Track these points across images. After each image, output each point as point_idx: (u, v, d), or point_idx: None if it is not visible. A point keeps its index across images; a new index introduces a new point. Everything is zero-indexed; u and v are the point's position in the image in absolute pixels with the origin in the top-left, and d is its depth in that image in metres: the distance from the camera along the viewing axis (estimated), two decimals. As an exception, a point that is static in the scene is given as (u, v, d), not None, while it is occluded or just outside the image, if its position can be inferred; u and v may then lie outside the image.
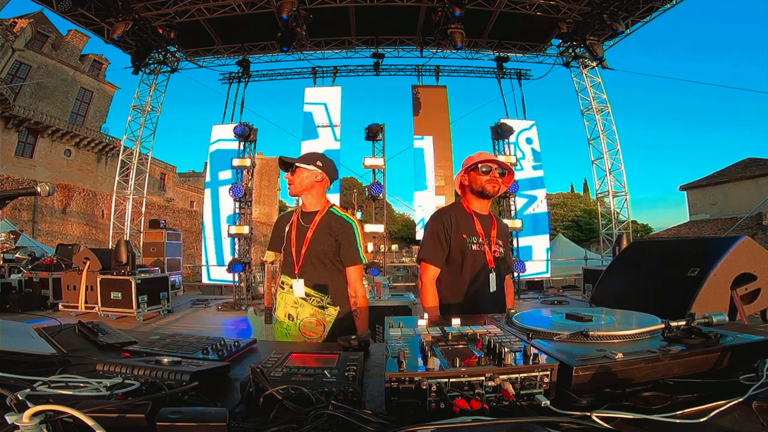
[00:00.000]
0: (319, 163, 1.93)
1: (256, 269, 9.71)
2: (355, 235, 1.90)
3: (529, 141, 10.79)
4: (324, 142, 10.45)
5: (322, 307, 1.87)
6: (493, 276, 1.90)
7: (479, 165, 1.92)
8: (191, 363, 0.84)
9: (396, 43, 11.46)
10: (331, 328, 1.84)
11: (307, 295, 1.87)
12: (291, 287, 1.89)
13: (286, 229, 1.99)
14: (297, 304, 1.88)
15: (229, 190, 9.87)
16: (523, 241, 10.01)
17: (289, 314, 1.89)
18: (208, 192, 10.90)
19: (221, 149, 10.83)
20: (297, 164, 1.90)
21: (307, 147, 10.42)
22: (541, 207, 10.56)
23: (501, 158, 1.99)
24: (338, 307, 1.88)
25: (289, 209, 2.08)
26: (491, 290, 1.89)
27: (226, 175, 10.62)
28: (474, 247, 1.90)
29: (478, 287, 1.86)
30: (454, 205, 2.11)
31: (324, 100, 10.89)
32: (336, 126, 10.63)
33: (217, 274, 10.29)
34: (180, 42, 10.80)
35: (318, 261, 1.88)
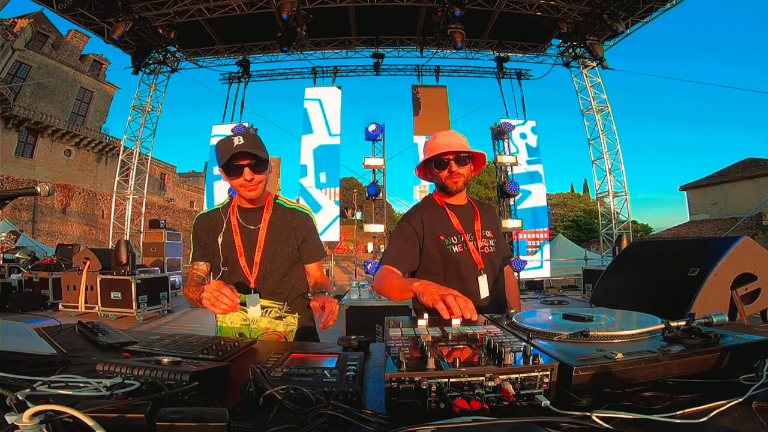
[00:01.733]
0: (266, 149, 1.56)
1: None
2: (315, 227, 1.71)
3: (523, 136, 10.77)
4: (324, 141, 10.47)
5: (280, 318, 1.58)
6: (483, 279, 1.61)
7: (433, 160, 1.62)
8: (191, 363, 0.84)
9: (396, 43, 11.46)
10: (294, 339, 1.58)
11: (263, 308, 1.55)
12: (242, 305, 1.45)
13: (219, 239, 1.60)
14: (248, 321, 1.56)
15: (228, 189, 9.88)
16: (521, 236, 10.01)
17: (240, 335, 1.53)
18: (211, 186, 10.93)
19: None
20: (264, 158, 1.51)
21: (307, 144, 10.44)
22: (539, 201, 10.55)
23: (461, 137, 1.65)
24: (296, 314, 1.61)
25: (209, 209, 1.70)
26: (481, 296, 1.59)
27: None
28: (455, 248, 1.62)
29: (468, 295, 1.45)
30: (425, 201, 1.77)
31: (324, 99, 10.90)
32: (335, 124, 10.63)
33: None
34: (180, 42, 10.80)
35: (275, 266, 1.61)
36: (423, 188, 10.52)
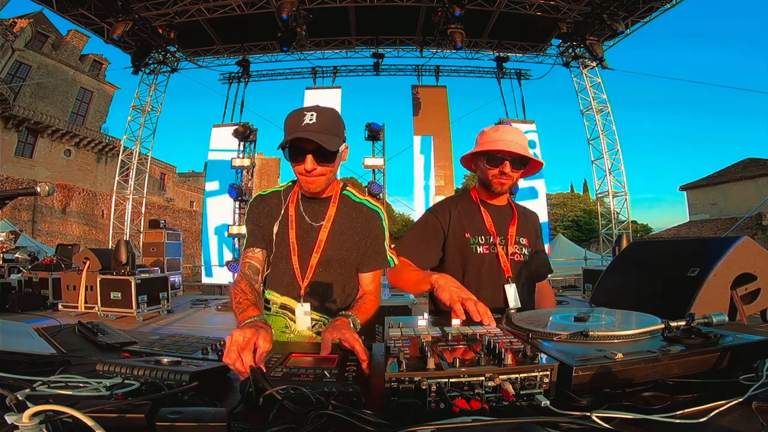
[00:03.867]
0: (344, 132, 1.29)
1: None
2: (383, 228, 1.38)
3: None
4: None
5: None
6: (511, 289, 1.46)
7: (486, 154, 1.49)
8: (191, 363, 0.84)
9: (396, 43, 11.46)
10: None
11: (311, 320, 1.33)
12: (290, 313, 1.34)
13: (275, 228, 1.35)
14: (288, 330, 1.35)
15: (229, 188, 9.91)
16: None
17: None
18: (206, 188, 10.96)
19: (221, 149, 10.87)
20: (332, 150, 1.21)
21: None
22: (539, 202, 10.56)
23: (522, 137, 1.49)
24: None
25: (269, 190, 1.43)
26: (510, 305, 1.45)
27: (225, 174, 10.67)
28: (480, 249, 1.50)
29: (488, 302, 1.18)
30: (461, 194, 1.67)
31: (323, 99, 10.91)
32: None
33: (216, 273, 10.34)
34: (180, 42, 10.80)
35: (332, 272, 1.35)
36: (419, 190, 10.54)
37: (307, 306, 1.32)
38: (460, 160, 1.65)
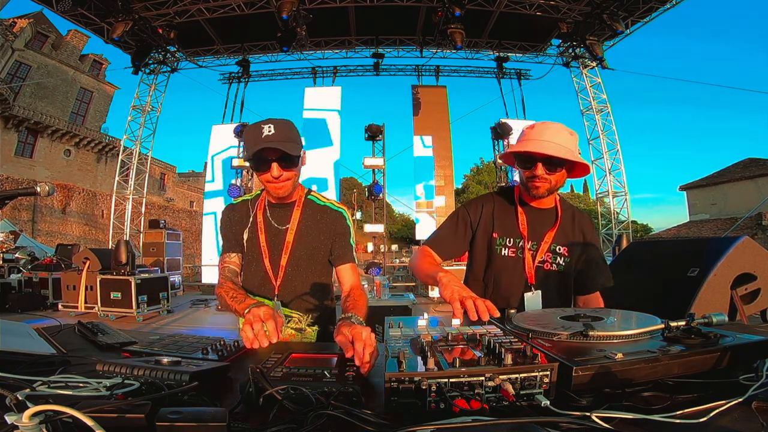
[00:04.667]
0: (300, 140, 1.38)
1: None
2: (349, 227, 1.50)
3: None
4: (323, 140, 10.47)
5: (300, 330, 1.42)
6: (532, 296, 1.38)
7: (517, 156, 1.38)
8: (191, 363, 0.84)
9: (396, 43, 11.47)
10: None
11: (285, 316, 1.41)
12: None
13: (245, 235, 1.47)
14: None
15: (229, 188, 9.90)
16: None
17: None
18: (206, 189, 10.97)
19: (221, 150, 10.88)
20: (295, 155, 1.32)
21: (306, 144, 10.43)
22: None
23: (567, 137, 1.33)
24: (316, 327, 1.45)
25: (239, 200, 1.57)
26: None
27: (226, 174, 10.67)
28: (506, 251, 1.42)
29: (504, 307, 1.12)
30: (501, 190, 1.56)
31: (323, 99, 10.92)
32: (335, 121, 10.66)
33: (215, 272, 10.34)
34: (180, 42, 10.80)
35: (302, 271, 1.46)
36: (421, 192, 10.53)
37: (278, 303, 1.41)
38: (500, 157, 1.59)
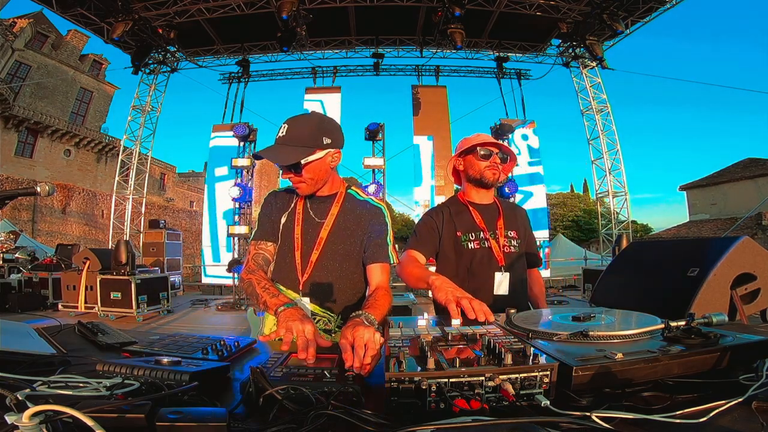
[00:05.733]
0: (326, 139, 1.30)
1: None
2: (386, 224, 1.41)
3: (524, 137, 10.81)
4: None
5: (329, 332, 1.35)
6: (501, 276, 1.59)
7: (478, 148, 1.64)
8: (191, 363, 0.84)
9: (396, 43, 11.46)
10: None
11: (312, 314, 1.34)
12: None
13: (283, 219, 1.42)
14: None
15: (231, 187, 9.89)
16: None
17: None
18: (206, 189, 10.96)
19: (219, 146, 10.87)
20: (305, 161, 1.28)
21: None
22: (540, 203, 10.58)
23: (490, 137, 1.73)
24: None
25: (285, 187, 1.52)
26: (500, 293, 1.58)
27: (223, 171, 10.65)
28: (472, 245, 1.63)
29: (478, 291, 1.38)
30: (450, 199, 1.82)
31: (324, 101, 10.91)
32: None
33: (215, 272, 10.33)
34: (180, 42, 10.80)
35: (333, 269, 1.39)
36: (422, 193, 10.53)
37: (305, 301, 1.34)
38: (450, 169, 1.80)
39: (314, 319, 1.34)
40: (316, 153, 1.29)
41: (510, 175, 10.23)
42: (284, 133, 1.28)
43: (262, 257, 1.40)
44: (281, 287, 1.39)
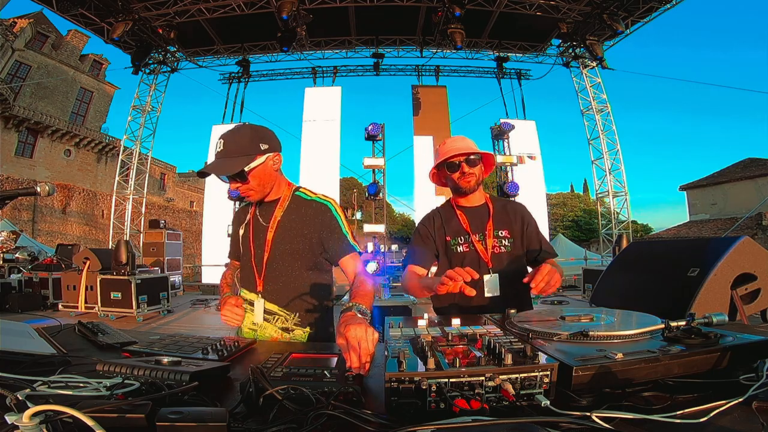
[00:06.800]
0: (263, 145, 1.37)
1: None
2: (336, 218, 1.45)
3: (525, 138, 10.81)
4: (323, 140, 10.47)
5: (287, 330, 1.43)
6: (489, 278, 1.59)
7: (445, 163, 1.69)
8: (191, 363, 0.84)
9: (396, 43, 11.46)
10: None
11: (270, 313, 1.45)
12: (252, 306, 1.48)
13: (241, 231, 1.55)
14: (255, 325, 1.47)
15: (228, 189, 9.88)
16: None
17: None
18: (207, 190, 10.96)
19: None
20: (248, 168, 1.34)
21: (306, 143, 10.43)
22: (539, 203, 10.58)
23: (470, 141, 1.72)
24: (308, 329, 1.44)
25: (244, 203, 1.67)
26: (491, 294, 1.59)
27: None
28: (460, 248, 1.67)
29: (466, 295, 1.31)
30: (442, 205, 1.85)
31: (324, 99, 10.91)
32: (335, 121, 10.66)
33: (215, 272, 10.34)
34: (180, 42, 10.80)
35: (283, 269, 1.45)
36: (422, 193, 10.52)
37: (261, 302, 1.45)
38: (430, 179, 1.83)
39: (273, 317, 1.45)
40: (257, 159, 1.35)
41: (510, 174, 10.34)
42: (222, 147, 1.35)
43: (231, 272, 1.67)
44: (244, 291, 1.53)
